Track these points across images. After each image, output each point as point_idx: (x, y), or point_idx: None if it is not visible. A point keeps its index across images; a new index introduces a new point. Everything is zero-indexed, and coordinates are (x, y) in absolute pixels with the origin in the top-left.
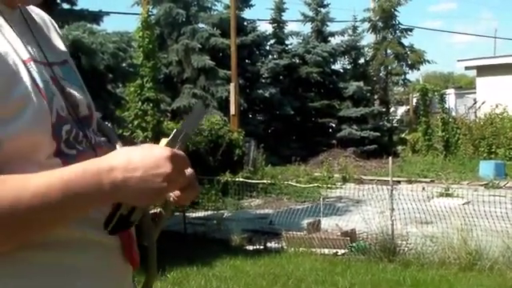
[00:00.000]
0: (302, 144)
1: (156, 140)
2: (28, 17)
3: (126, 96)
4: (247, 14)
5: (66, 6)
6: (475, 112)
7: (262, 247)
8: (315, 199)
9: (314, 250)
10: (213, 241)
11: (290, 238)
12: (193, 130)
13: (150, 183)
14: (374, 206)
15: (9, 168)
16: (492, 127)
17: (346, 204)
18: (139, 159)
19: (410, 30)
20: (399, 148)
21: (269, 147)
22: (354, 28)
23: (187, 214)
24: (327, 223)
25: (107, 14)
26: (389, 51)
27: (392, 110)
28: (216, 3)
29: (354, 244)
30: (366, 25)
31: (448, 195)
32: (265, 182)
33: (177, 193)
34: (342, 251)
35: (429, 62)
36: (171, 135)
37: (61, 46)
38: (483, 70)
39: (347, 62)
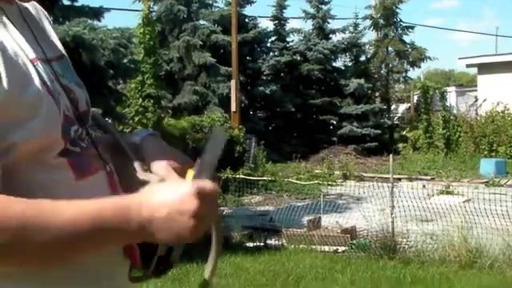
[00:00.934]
0: (302, 141)
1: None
2: (24, 11)
3: (126, 92)
4: (248, 10)
5: (66, 1)
6: (476, 110)
7: (262, 244)
8: (316, 196)
9: (314, 247)
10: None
11: (291, 235)
12: (217, 158)
13: (175, 221)
14: (375, 203)
15: (16, 168)
16: (493, 125)
17: (346, 201)
18: (165, 197)
19: (412, 28)
20: (400, 145)
21: (269, 144)
22: (356, 25)
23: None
24: (327, 220)
25: (108, 10)
26: (390, 48)
27: (393, 107)
28: (217, 0)
29: (354, 241)
30: (368, 22)
31: (448, 193)
32: (265, 178)
33: None
34: (343, 248)
35: (430, 58)
36: (197, 167)
37: (55, 39)
38: (484, 68)
39: (348, 60)
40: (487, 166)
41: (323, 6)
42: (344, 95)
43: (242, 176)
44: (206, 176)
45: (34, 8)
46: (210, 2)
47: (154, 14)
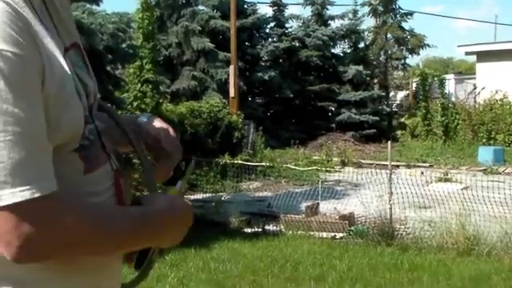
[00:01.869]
0: (301, 127)
1: None
2: None
3: (125, 77)
4: None
5: None
6: (475, 97)
7: (260, 230)
8: (314, 182)
9: (312, 233)
10: (211, 223)
11: (289, 221)
12: (187, 180)
13: (181, 234)
14: (373, 189)
15: None
16: (491, 113)
17: (344, 188)
18: (180, 215)
19: (411, 15)
20: (398, 132)
21: (268, 130)
22: (355, 12)
23: (185, 197)
24: (325, 207)
25: None
26: (389, 35)
27: (391, 94)
28: None
29: (352, 228)
30: (367, 9)
31: (447, 180)
32: (264, 164)
33: None
34: (340, 235)
35: (429, 45)
36: (178, 187)
37: (72, 26)
38: (483, 56)
39: (347, 46)
40: (485, 153)
41: None
42: (342, 82)
43: (240, 162)
44: (183, 193)
45: None
46: None
47: None
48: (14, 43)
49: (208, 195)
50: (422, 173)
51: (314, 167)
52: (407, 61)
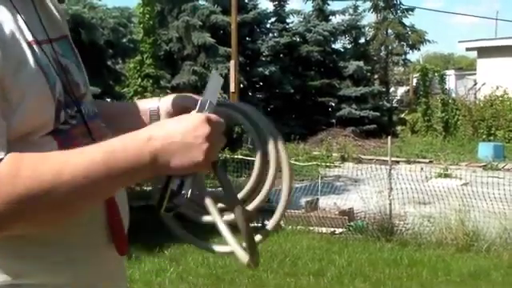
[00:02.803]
0: (301, 122)
1: None
2: None
3: (125, 72)
4: None
5: None
6: (475, 93)
7: (259, 225)
8: (314, 178)
9: (311, 228)
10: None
11: (288, 216)
12: (215, 99)
13: (190, 146)
14: (373, 185)
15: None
16: (492, 109)
17: (344, 183)
18: (176, 126)
19: (411, 10)
20: (398, 128)
21: None
22: (355, 7)
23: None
24: (325, 202)
25: None
26: (389, 31)
27: (392, 90)
28: None
29: (351, 223)
30: (368, 4)
31: (446, 176)
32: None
33: None
34: (340, 230)
35: (429, 41)
36: (198, 106)
37: (60, 18)
38: (484, 52)
39: (348, 42)
40: (485, 149)
41: None
42: (343, 77)
43: (240, 156)
44: (209, 110)
45: None
46: None
47: None
48: None
49: (208, 190)
50: (422, 168)
51: (314, 162)
52: (408, 56)
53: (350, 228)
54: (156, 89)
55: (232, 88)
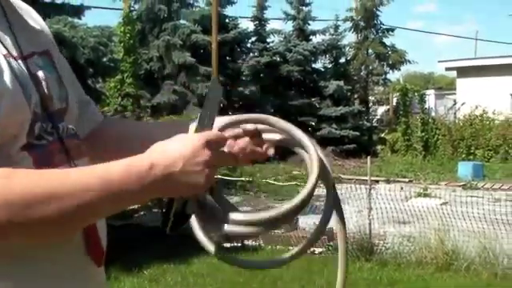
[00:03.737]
0: None
1: None
2: (5, 3)
3: (106, 91)
4: (229, 11)
5: None
6: (455, 113)
7: (239, 245)
8: (293, 198)
9: (291, 248)
10: (191, 238)
11: (268, 235)
12: (216, 110)
13: (191, 174)
14: (352, 205)
15: None
16: (471, 128)
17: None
18: (176, 152)
19: (392, 30)
20: (378, 147)
21: None
22: (336, 27)
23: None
24: (305, 222)
25: (89, 8)
26: (370, 51)
27: (372, 109)
28: (198, 0)
29: (331, 243)
30: (348, 24)
31: (426, 195)
32: (243, 179)
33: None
34: (320, 250)
35: (409, 61)
36: (197, 119)
37: (42, 35)
38: (463, 72)
39: (328, 61)
40: (465, 168)
41: (304, 8)
42: (323, 97)
43: (219, 176)
44: (208, 127)
45: (18, 7)
46: (191, 2)
47: (134, 12)
48: None
49: None
50: (402, 188)
51: (294, 182)
52: (388, 76)
53: (330, 248)
54: (136, 108)
55: None
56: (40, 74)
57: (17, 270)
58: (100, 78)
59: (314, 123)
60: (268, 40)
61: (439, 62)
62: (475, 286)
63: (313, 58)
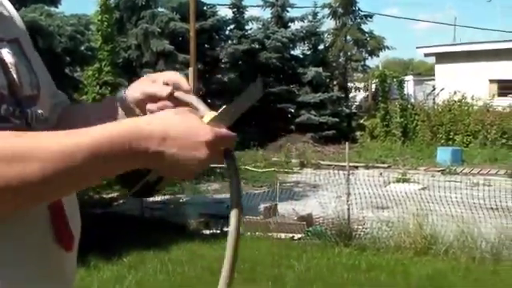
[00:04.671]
0: (260, 129)
1: None
2: None
3: (83, 80)
4: None
5: None
6: (434, 99)
7: (218, 231)
8: (272, 184)
9: (270, 234)
10: (170, 225)
11: (247, 222)
12: (244, 109)
13: (182, 166)
14: (331, 190)
15: None
16: (450, 114)
17: (303, 189)
18: (176, 135)
19: (370, 17)
20: (358, 134)
21: None
22: (314, 14)
23: (144, 199)
24: (284, 208)
25: None
26: (348, 37)
27: (351, 95)
28: None
29: (310, 228)
30: (326, 11)
31: (405, 181)
32: (222, 166)
33: None
34: (299, 236)
35: (388, 48)
36: (219, 111)
37: (11, 23)
38: (442, 57)
39: (307, 48)
40: (444, 154)
41: None
42: (302, 83)
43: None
44: (224, 122)
45: None
46: None
47: (112, 0)
48: None
49: (167, 197)
50: (381, 173)
51: (273, 168)
52: (367, 62)
53: (309, 233)
54: None
55: None
56: (8, 58)
57: None
58: (78, 67)
59: (293, 110)
60: (246, 27)
61: (417, 48)
62: (454, 269)
63: (291, 45)
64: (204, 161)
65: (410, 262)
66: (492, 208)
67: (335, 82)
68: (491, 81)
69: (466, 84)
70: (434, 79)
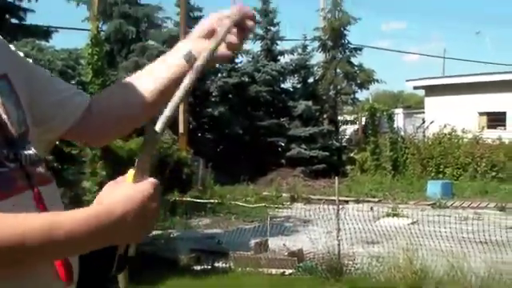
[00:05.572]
0: (250, 163)
1: (105, 158)
2: None
3: None
4: None
5: (14, 20)
6: (424, 132)
7: (209, 267)
8: (263, 219)
9: (261, 269)
10: (161, 260)
11: (238, 257)
12: (154, 153)
13: (140, 227)
14: (321, 225)
15: None
16: (440, 147)
17: (293, 224)
18: (124, 207)
19: (360, 50)
20: (348, 167)
21: (218, 166)
22: (304, 47)
23: None
24: (275, 243)
25: (56, 29)
26: (338, 70)
27: (341, 129)
28: (166, 20)
29: (301, 264)
30: (316, 43)
31: (395, 215)
32: (213, 201)
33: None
34: (290, 271)
35: (378, 81)
36: (135, 166)
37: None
38: (431, 90)
39: (296, 81)
40: (434, 187)
41: (272, 28)
42: (292, 117)
43: (189, 199)
44: (146, 173)
45: None
46: (159, 23)
47: (102, 33)
48: None
49: (158, 232)
50: (372, 208)
51: (264, 204)
52: (357, 95)
53: (300, 269)
54: None
55: (181, 129)
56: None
57: None
58: None
59: (283, 144)
60: (236, 60)
61: (407, 81)
62: None
63: (281, 78)
64: (155, 213)
65: None
66: (481, 242)
67: (325, 116)
68: (480, 113)
69: (456, 116)
70: (423, 112)
